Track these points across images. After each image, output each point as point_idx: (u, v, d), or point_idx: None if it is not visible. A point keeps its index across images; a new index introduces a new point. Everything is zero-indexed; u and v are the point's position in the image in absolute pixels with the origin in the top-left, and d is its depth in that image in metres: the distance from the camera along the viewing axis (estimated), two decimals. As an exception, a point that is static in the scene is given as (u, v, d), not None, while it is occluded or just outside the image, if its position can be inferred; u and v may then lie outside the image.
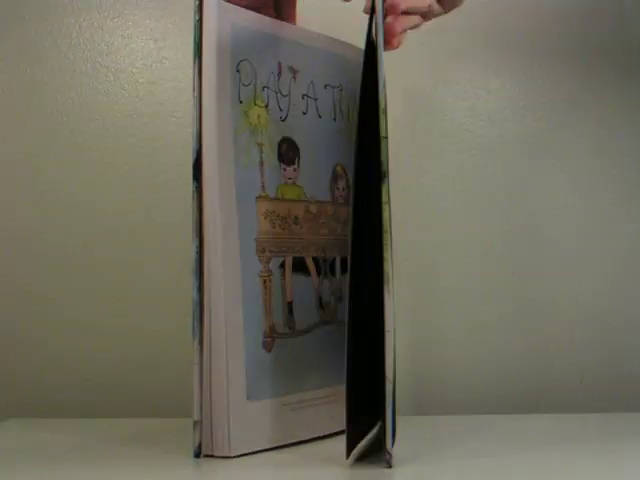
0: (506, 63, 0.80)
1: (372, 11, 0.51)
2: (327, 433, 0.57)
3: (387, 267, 0.47)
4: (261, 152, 0.55)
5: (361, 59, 0.52)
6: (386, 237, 0.47)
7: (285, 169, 0.57)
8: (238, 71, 0.53)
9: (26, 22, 0.76)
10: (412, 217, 0.77)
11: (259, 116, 0.55)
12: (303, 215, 0.58)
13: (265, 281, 0.54)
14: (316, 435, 0.56)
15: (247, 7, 0.55)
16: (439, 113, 0.79)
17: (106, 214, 0.75)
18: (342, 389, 0.48)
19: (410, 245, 0.77)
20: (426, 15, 0.57)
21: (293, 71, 0.58)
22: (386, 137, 0.48)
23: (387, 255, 0.47)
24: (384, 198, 0.48)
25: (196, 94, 0.51)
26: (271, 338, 0.54)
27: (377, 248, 0.48)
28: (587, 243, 0.79)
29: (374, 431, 0.53)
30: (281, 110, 0.57)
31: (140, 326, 0.75)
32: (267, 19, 0.56)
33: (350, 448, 0.48)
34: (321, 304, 0.59)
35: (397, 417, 0.48)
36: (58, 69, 0.76)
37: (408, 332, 0.76)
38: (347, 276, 0.50)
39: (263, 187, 0.55)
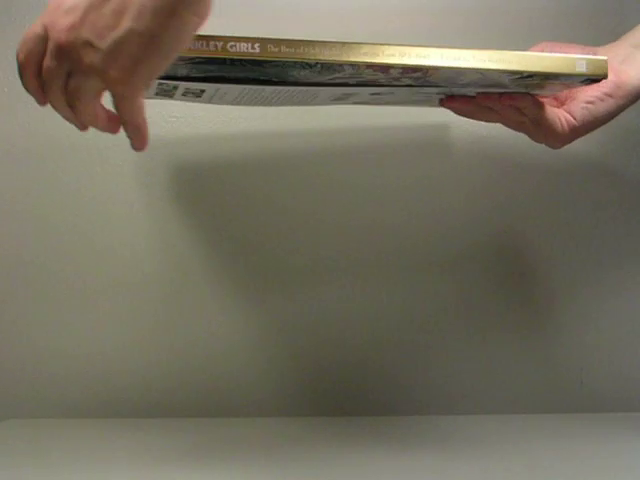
0: (506, 63, 0.80)
1: None
2: None
3: None
4: None
5: None
6: None
7: None
8: None
9: (26, 22, 0.76)
10: (410, 215, 0.77)
11: None
12: None
13: None
14: None
15: None
16: (439, 113, 0.79)
17: (107, 213, 0.75)
18: None
19: (405, 241, 0.77)
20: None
21: None
22: None
23: None
24: None
25: None
26: None
27: None
28: (587, 242, 0.79)
29: None
30: None
31: (141, 325, 0.75)
32: None
33: None
34: None
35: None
36: (58, 69, 0.76)
37: (409, 332, 0.77)
38: None
39: None
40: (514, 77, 0.51)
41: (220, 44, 0.46)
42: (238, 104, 0.62)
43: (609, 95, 0.54)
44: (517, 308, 0.78)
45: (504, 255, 0.78)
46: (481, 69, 0.49)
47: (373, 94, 0.58)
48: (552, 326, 0.78)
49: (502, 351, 0.78)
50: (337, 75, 0.51)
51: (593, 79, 0.51)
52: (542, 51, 0.57)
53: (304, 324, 0.76)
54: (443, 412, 0.75)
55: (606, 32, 0.80)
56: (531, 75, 0.50)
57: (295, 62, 0.47)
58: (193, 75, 0.51)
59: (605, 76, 0.50)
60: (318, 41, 0.48)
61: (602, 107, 0.54)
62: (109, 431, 0.63)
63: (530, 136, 0.58)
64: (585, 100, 0.54)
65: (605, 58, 0.50)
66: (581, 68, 0.50)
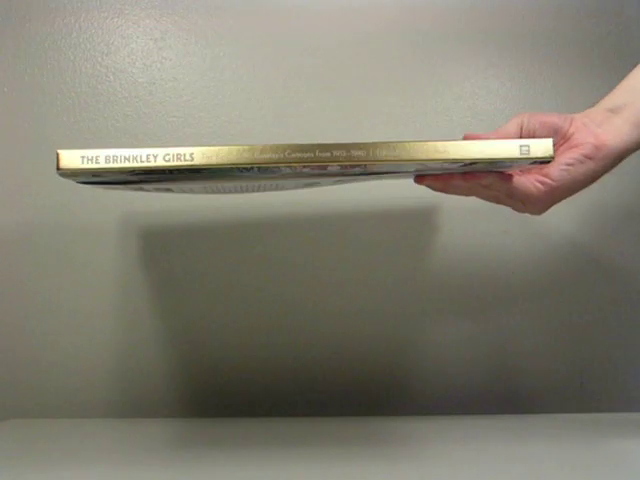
0: (506, 63, 0.80)
1: None
2: None
3: None
4: None
5: None
6: None
7: None
8: None
9: (26, 22, 0.76)
10: (413, 216, 0.77)
11: None
12: None
13: None
14: None
15: None
16: (439, 113, 0.79)
17: (107, 213, 0.75)
18: None
19: (408, 243, 0.77)
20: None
21: None
22: None
23: None
24: None
25: None
26: None
27: None
28: (586, 241, 0.79)
29: None
30: None
31: (141, 325, 0.75)
32: None
33: None
34: None
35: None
36: (58, 69, 0.76)
37: (411, 330, 0.77)
38: None
39: None
40: (458, 165, 0.49)
41: (155, 156, 0.46)
42: (213, 193, 0.62)
43: (589, 157, 0.54)
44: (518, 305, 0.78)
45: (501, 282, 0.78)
46: (421, 160, 0.48)
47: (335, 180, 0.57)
48: (552, 326, 0.78)
49: (504, 351, 0.78)
50: (278, 174, 0.50)
51: (542, 161, 0.49)
52: (522, 122, 0.56)
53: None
54: (443, 412, 0.76)
55: (606, 32, 0.81)
56: (475, 162, 0.49)
57: (231, 167, 0.47)
58: (145, 179, 0.52)
59: (552, 158, 0.48)
60: (254, 146, 0.47)
61: (582, 169, 0.54)
62: (109, 431, 0.63)
63: (509, 206, 0.57)
64: (565, 162, 0.54)
65: (550, 140, 0.49)
66: (525, 152, 0.48)
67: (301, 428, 0.63)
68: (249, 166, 0.47)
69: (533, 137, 0.56)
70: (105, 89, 0.76)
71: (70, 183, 0.53)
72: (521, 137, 0.56)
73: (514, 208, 0.57)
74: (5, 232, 0.75)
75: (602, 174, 0.55)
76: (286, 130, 0.77)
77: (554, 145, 0.49)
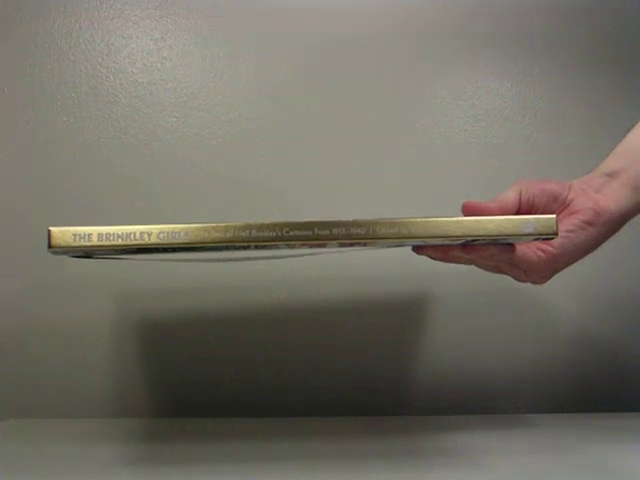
0: (506, 63, 0.80)
1: None
2: None
3: None
4: None
5: None
6: None
7: None
8: None
9: (26, 22, 0.76)
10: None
11: None
12: None
13: None
14: None
15: None
16: (439, 113, 0.79)
17: (107, 213, 0.75)
18: None
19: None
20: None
21: None
22: None
23: None
24: None
25: None
26: None
27: None
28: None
29: None
30: None
31: (139, 327, 0.75)
32: None
33: None
34: None
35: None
36: (58, 69, 0.76)
37: (414, 334, 0.77)
38: None
39: None
40: (459, 241, 0.48)
41: (150, 234, 0.45)
42: (208, 261, 0.62)
43: (589, 223, 0.53)
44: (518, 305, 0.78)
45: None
46: (421, 238, 0.46)
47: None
48: (551, 326, 0.78)
49: (503, 352, 0.78)
50: (274, 250, 0.49)
51: (545, 237, 0.48)
52: (520, 189, 0.55)
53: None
54: (443, 412, 0.76)
55: (606, 32, 0.81)
56: (476, 239, 0.48)
57: (227, 245, 0.46)
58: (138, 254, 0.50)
59: (555, 235, 0.47)
60: (251, 224, 0.45)
61: (583, 235, 0.53)
62: (109, 431, 0.63)
63: (511, 276, 0.56)
64: (565, 229, 0.53)
65: (553, 216, 0.48)
66: (529, 229, 0.47)
67: (300, 428, 0.63)
68: (245, 244, 0.45)
69: (532, 204, 0.54)
70: (105, 89, 0.76)
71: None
72: (520, 204, 0.54)
73: (516, 278, 0.56)
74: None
75: (603, 240, 0.54)
76: (287, 130, 0.77)
77: (556, 222, 0.47)
